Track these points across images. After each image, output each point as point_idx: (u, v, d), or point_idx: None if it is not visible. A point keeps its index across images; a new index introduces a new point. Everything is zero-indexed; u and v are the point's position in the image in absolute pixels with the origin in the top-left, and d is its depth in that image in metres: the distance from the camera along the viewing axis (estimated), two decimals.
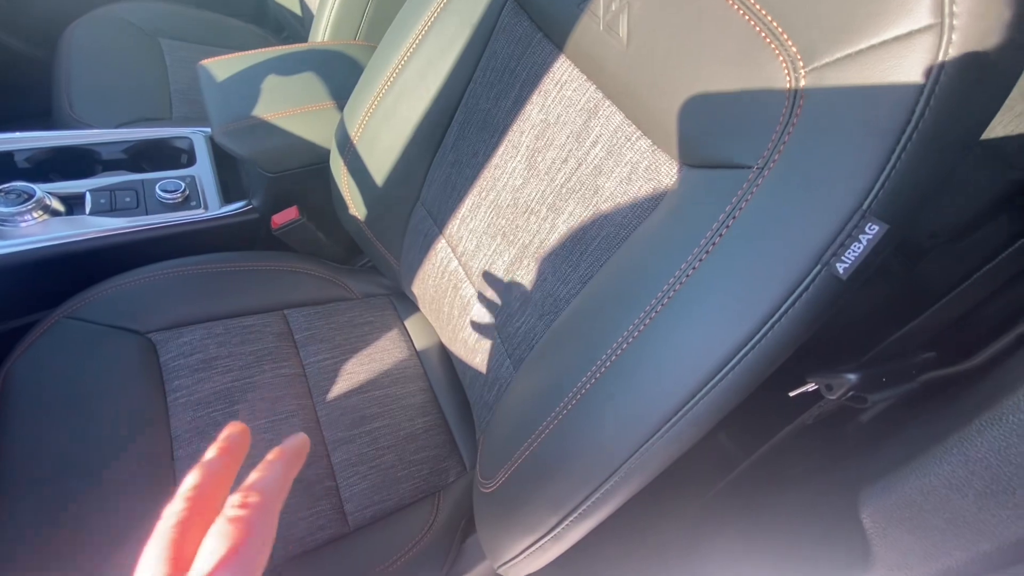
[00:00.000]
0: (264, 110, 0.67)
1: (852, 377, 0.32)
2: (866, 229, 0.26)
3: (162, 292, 0.65)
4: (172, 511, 0.21)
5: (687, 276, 0.31)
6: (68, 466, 0.50)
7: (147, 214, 0.67)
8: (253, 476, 0.22)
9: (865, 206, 0.25)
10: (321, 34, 0.84)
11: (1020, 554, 0.22)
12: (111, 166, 0.76)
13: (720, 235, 0.30)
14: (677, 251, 0.32)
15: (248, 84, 0.69)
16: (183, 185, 0.70)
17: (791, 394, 0.36)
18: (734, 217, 0.30)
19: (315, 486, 0.56)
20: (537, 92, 0.46)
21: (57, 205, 0.65)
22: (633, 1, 0.36)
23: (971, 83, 0.24)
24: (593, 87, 0.41)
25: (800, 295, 0.27)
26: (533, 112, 0.47)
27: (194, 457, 0.54)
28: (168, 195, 0.69)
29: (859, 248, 0.26)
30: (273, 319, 0.67)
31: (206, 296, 0.66)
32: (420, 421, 0.64)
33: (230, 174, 0.78)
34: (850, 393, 0.32)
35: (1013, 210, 0.77)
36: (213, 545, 0.19)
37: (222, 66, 0.71)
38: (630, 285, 0.35)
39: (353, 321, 0.70)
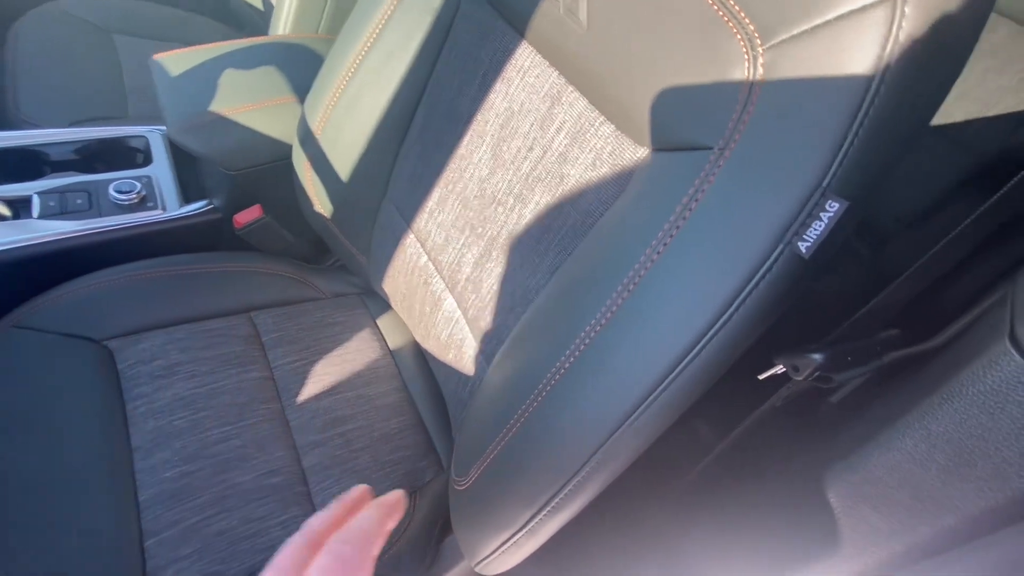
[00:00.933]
0: (222, 105, 0.64)
1: (817, 357, 0.32)
2: (826, 207, 0.25)
3: (119, 297, 0.62)
4: (291, 546, 0.23)
5: (651, 261, 0.31)
6: (20, 484, 0.47)
7: (100, 216, 0.64)
8: (352, 521, 0.25)
9: (825, 183, 0.25)
10: (281, 27, 0.81)
11: (984, 527, 0.22)
12: (61, 167, 0.72)
13: (684, 218, 0.30)
14: (642, 236, 0.32)
15: (205, 79, 0.66)
16: (139, 185, 0.67)
17: (760, 377, 0.36)
18: (696, 200, 0.29)
19: (285, 492, 0.54)
20: (500, 80, 0.45)
21: (2, 209, 0.62)
22: None
23: (926, 57, 0.24)
24: (556, 73, 0.41)
25: (764, 275, 0.27)
26: (497, 100, 0.46)
27: (155, 469, 0.52)
28: (123, 196, 0.66)
29: (820, 226, 0.25)
30: (239, 322, 0.65)
31: (167, 300, 0.63)
32: (395, 421, 0.62)
33: (190, 173, 0.75)
34: (816, 373, 0.32)
35: (974, 193, 0.79)
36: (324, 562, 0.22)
37: (177, 60, 0.68)
38: (596, 273, 0.34)
39: (323, 321, 0.69)
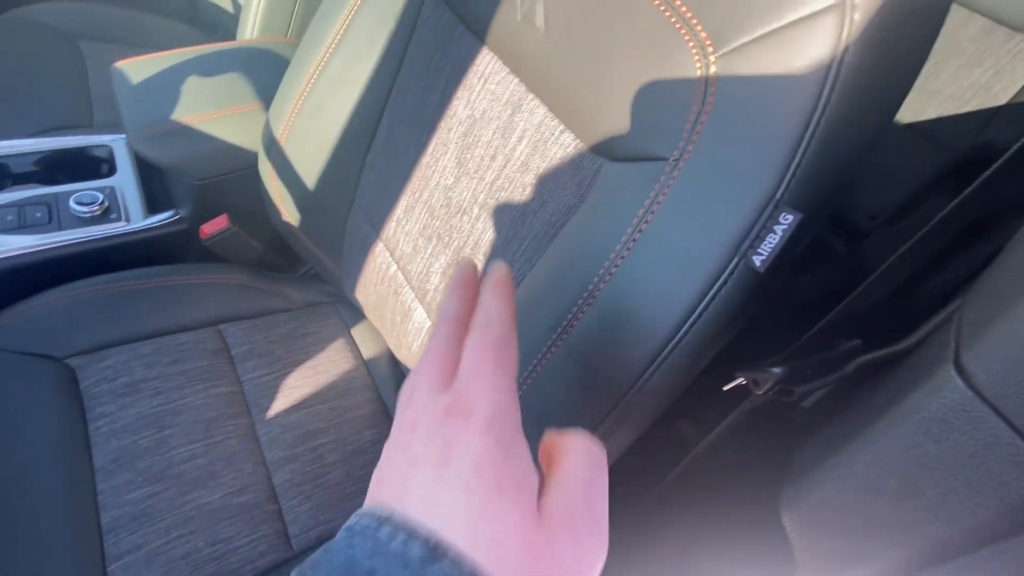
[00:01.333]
0: (185, 113, 0.63)
1: (777, 371, 0.32)
2: (780, 219, 0.25)
3: (81, 313, 0.60)
4: (437, 331, 0.24)
5: (610, 274, 0.30)
6: None
7: (60, 230, 0.62)
8: (481, 304, 0.25)
9: (778, 196, 0.25)
10: (249, 31, 0.80)
11: (937, 555, 0.22)
12: (23, 180, 0.70)
13: (640, 231, 0.29)
14: (601, 248, 0.31)
15: (167, 86, 0.65)
16: (101, 197, 0.66)
17: (725, 388, 0.35)
18: (652, 212, 0.29)
19: (255, 510, 0.53)
20: (462, 87, 0.44)
21: None
22: None
23: (876, 63, 0.24)
24: (516, 80, 0.40)
25: (720, 289, 0.26)
26: (460, 108, 0.45)
27: (118, 490, 0.50)
28: (84, 208, 0.64)
29: (774, 240, 0.25)
30: (207, 335, 0.64)
31: (131, 315, 0.62)
32: (368, 434, 0.61)
33: (157, 183, 0.73)
34: (777, 387, 0.32)
35: (947, 189, 0.79)
36: (474, 346, 0.22)
37: (138, 67, 0.66)
38: (558, 285, 0.33)
39: (294, 332, 0.67)
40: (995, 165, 0.31)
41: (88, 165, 0.73)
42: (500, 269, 0.25)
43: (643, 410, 0.31)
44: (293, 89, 0.56)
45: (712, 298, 0.27)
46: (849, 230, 0.95)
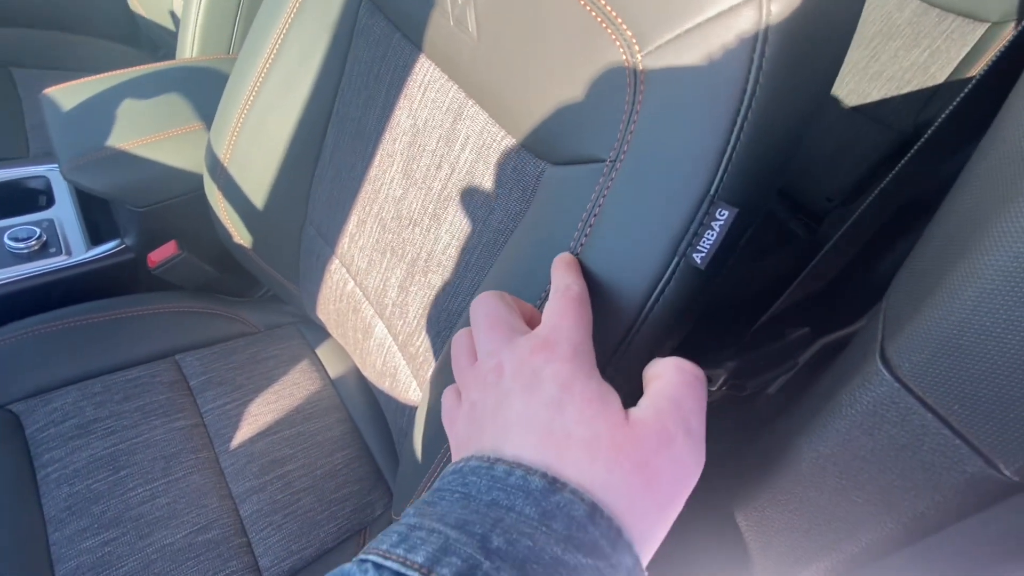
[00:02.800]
0: (121, 139, 0.60)
1: (729, 365, 0.32)
2: (716, 215, 0.24)
3: (22, 355, 0.57)
4: (489, 303, 0.26)
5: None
6: None
7: None
8: (558, 275, 0.27)
9: (712, 191, 0.24)
10: (189, 49, 0.77)
11: (882, 549, 0.22)
12: None
13: (585, 234, 0.29)
14: (547, 254, 0.30)
15: (101, 111, 0.62)
16: (38, 231, 0.62)
17: None
18: (595, 215, 0.28)
19: (222, 546, 0.51)
20: (403, 96, 0.43)
21: None
22: None
23: (798, 53, 0.24)
24: (455, 87, 0.39)
25: (664, 288, 0.26)
26: (402, 117, 0.44)
27: (72, 540, 0.48)
28: (20, 244, 0.61)
29: (713, 235, 0.25)
30: (163, 367, 0.61)
31: (79, 352, 0.59)
32: (339, 455, 0.60)
33: (99, 212, 0.70)
34: (728, 382, 0.32)
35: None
36: (556, 303, 0.24)
37: (70, 93, 0.63)
38: (509, 293, 0.33)
39: (256, 357, 0.65)
40: (919, 142, 0.31)
41: (24, 198, 0.70)
42: (565, 255, 0.28)
43: None
44: (232, 108, 0.54)
45: (657, 298, 0.26)
46: (807, 213, 0.97)
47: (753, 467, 0.31)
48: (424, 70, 0.41)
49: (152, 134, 0.61)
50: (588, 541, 0.18)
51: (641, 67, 0.26)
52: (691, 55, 0.24)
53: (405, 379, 0.50)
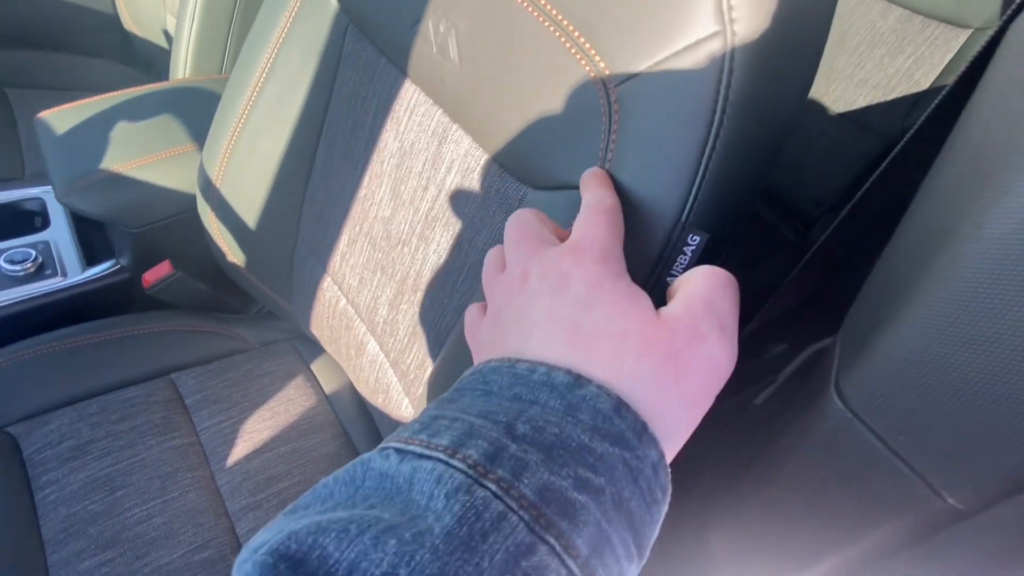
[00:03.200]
0: (115, 161, 0.61)
1: None
2: (689, 240, 0.25)
3: (19, 378, 0.58)
4: (521, 218, 0.25)
5: None
6: None
7: None
8: (590, 189, 0.26)
9: (683, 218, 0.25)
10: (181, 69, 0.78)
11: (847, 571, 0.22)
12: None
13: None
14: None
15: (95, 134, 0.63)
16: (33, 253, 0.63)
17: None
18: None
19: (218, 565, 0.51)
20: (390, 119, 0.44)
21: None
22: (458, 23, 0.34)
23: (763, 82, 0.24)
24: (440, 111, 0.40)
25: None
26: (390, 140, 0.44)
27: (70, 561, 0.48)
28: (15, 267, 0.61)
29: (685, 260, 0.25)
30: (158, 387, 0.62)
31: (75, 374, 0.59)
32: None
33: (95, 233, 0.71)
34: None
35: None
36: (587, 213, 0.24)
37: (64, 117, 0.64)
38: None
39: (251, 374, 0.66)
40: (898, 148, 0.32)
41: (19, 220, 0.70)
42: (596, 170, 0.27)
43: None
44: (224, 130, 0.55)
45: None
46: (798, 218, 0.98)
47: (726, 484, 0.31)
48: (410, 94, 0.42)
49: (145, 156, 0.62)
50: (615, 432, 0.17)
51: (614, 98, 0.27)
52: (661, 86, 0.25)
53: (397, 396, 0.51)
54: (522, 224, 0.25)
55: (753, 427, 0.31)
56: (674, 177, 0.25)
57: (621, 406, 0.18)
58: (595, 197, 0.25)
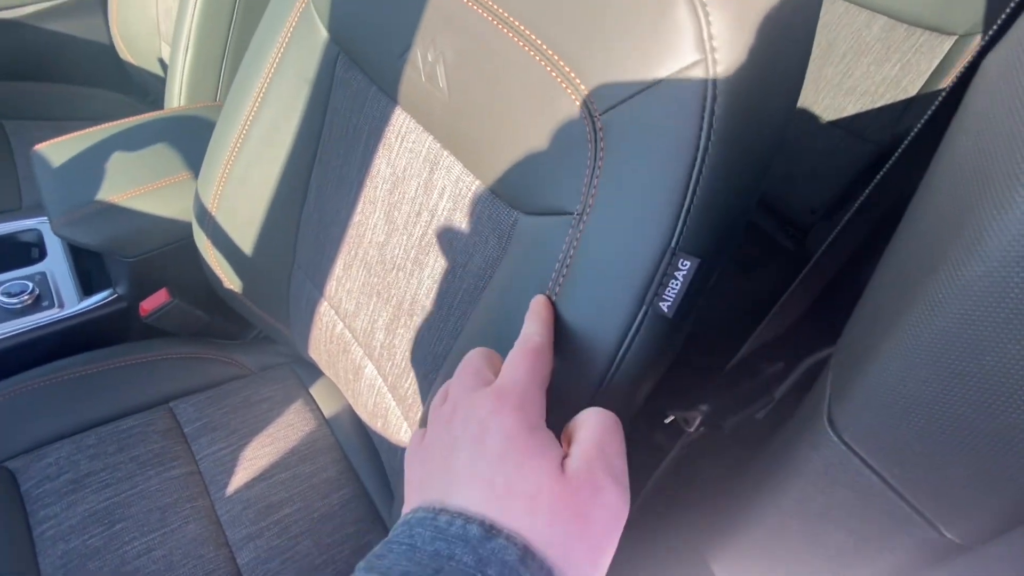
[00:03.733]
0: (111, 192, 0.61)
1: (704, 408, 0.32)
2: (679, 265, 0.25)
3: (17, 411, 0.57)
4: (474, 350, 0.28)
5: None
6: None
7: None
8: (525, 327, 0.28)
9: (673, 244, 0.25)
10: (176, 97, 0.79)
11: None
12: None
13: (559, 284, 0.29)
14: (524, 302, 0.31)
15: (90, 165, 0.63)
16: (30, 285, 0.63)
17: (666, 421, 0.36)
18: (567, 265, 0.29)
19: None
20: (382, 145, 0.44)
21: None
22: (446, 52, 0.35)
23: (747, 105, 0.25)
24: (431, 138, 0.40)
25: (634, 337, 0.27)
26: (382, 166, 0.45)
27: None
28: (12, 300, 0.62)
29: (677, 285, 0.25)
30: (157, 416, 0.61)
31: (73, 405, 0.59)
32: (335, 497, 0.60)
33: (92, 262, 0.71)
34: (705, 423, 0.32)
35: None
36: (512, 354, 0.26)
37: (60, 149, 0.65)
38: (489, 343, 0.33)
39: (250, 400, 0.65)
40: (894, 156, 0.32)
41: (16, 252, 0.70)
42: (540, 299, 0.29)
43: None
44: (218, 158, 0.55)
45: (628, 347, 0.27)
46: (794, 225, 0.98)
47: (727, 513, 0.31)
48: (401, 121, 0.42)
49: (141, 185, 0.63)
50: None
51: (600, 125, 0.27)
52: (646, 114, 0.25)
53: (396, 420, 0.50)
54: (468, 362, 0.27)
55: (753, 449, 0.31)
56: (662, 203, 0.25)
57: (527, 555, 0.20)
58: (527, 333, 0.27)
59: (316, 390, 0.68)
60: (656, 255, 0.26)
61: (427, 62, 0.37)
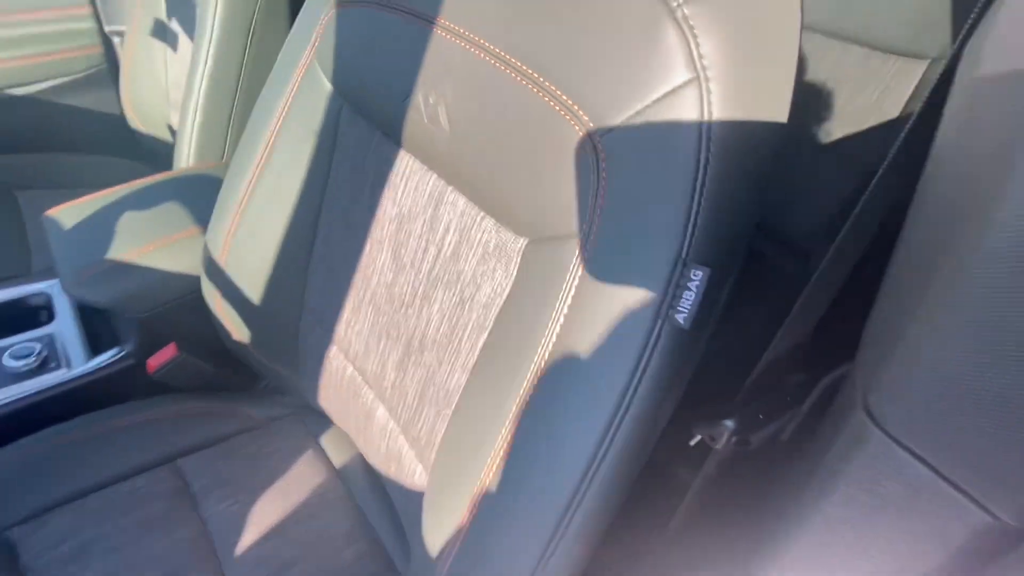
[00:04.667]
0: (120, 250, 0.62)
1: (730, 423, 0.32)
2: (691, 276, 0.25)
3: (18, 478, 0.56)
4: None
5: (547, 352, 0.30)
6: None
7: None
8: None
9: (683, 255, 0.25)
10: (185, 159, 0.82)
11: None
12: None
13: (567, 304, 0.30)
14: (533, 328, 0.31)
15: (101, 226, 0.65)
16: (38, 347, 0.63)
17: (691, 443, 0.35)
18: (574, 286, 0.29)
19: None
20: (387, 187, 0.45)
21: None
22: (447, 93, 0.36)
23: (741, 117, 0.25)
24: (435, 176, 0.41)
25: (652, 352, 0.27)
26: (388, 207, 0.46)
27: None
28: (20, 362, 0.61)
29: (691, 296, 0.25)
30: (164, 474, 0.60)
31: (76, 469, 0.58)
32: (349, 552, 0.57)
33: (100, 322, 0.71)
34: (733, 438, 0.32)
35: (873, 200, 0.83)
36: None
37: (71, 212, 0.66)
38: (501, 372, 0.33)
39: (259, 453, 0.64)
40: (876, 176, 0.33)
41: (25, 315, 0.71)
42: None
43: (614, 479, 0.30)
44: (227, 211, 0.57)
45: (647, 362, 0.27)
46: (796, 249, 0.99)
47: (770, 525, 0.30)
48: (404, 162, 0.44)
49: (150, 242, 0.64)
50: None
51: (600, 147, 0.28)
52: (646, 133, 0.26)
53: (410, 463, 0.49)
54: None
55: (784, 458, 0.30)
56: (668, 217, 0.26)
57: None
58: None
59: (326, 440, 0.67)
60: (667, 268, 0.26)
61: (428, 104, 0.38)
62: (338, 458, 0.65)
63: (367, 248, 0.49)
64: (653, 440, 0.31)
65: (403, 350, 0.47)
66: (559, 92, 0.29)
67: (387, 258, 0.47)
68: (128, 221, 0.65)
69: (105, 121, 1.16)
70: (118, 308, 0.62)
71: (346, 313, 0.53)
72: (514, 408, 0.31)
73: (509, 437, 0.31)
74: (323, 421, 0.68)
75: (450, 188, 0.40)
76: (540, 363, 0.30)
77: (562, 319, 0.29)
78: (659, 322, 0.26)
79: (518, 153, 0.32)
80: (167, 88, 1.07)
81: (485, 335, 0.37)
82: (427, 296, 0.43)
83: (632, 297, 0.26)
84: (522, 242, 0.35)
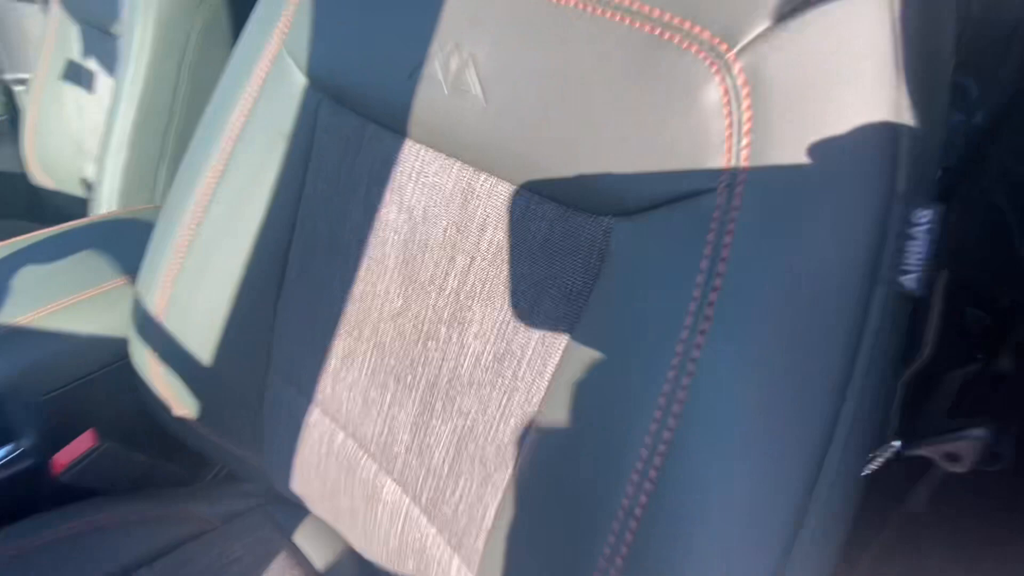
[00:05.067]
0: (17, 312, 0.48)
1: (980, 433, 0.23)
2: (916, 221, 0.17)
3: None
4: None
5: (687, 380, 0.21)
6: None
7: None
8: None
9: (901, 189, 0.18)
10: (105, 208, 0.68)
11: None
12: None
13: (710, 301, 0.21)
14: (648, 337, 0.22)
15: None
16: None
17: (864, 473, 0.26)
18: (723, 259, 0.20)
19: None
20: (389, 190, 0.36)
21: None
22: (476, 53, 0.29)
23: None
24: (459, 164, 0.32)
25: (875, 340, 0.18)
26: (391, 215, 0.36)
27: None
28: None
29: (921, 247, 0.17)
30: None
31: None
32: None
33: None
34: (981, 454, 0.23)
35: None
36: None
37: None
38: (603, 416, 0.23)
39: (218, 562, 0.48)
40: None
41: None
42: None
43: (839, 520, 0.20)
44: (167, 247, 0.45)
45: (871, 351, 0.18)
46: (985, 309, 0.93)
47: (995, 564, 0.21)
48: (413, 156, 0.35)
49: (60, 300, 0.50)
50: None
51: (738, 67, 0.20)
52: (811, 35, 0.19)
53: (440, 554, 0.37)
54: None
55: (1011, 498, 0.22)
56: (869, 140, 0.18)
57: None
58: None
59: (301, 536, 0.52)
60: (876, 213, 0.18)
61: (450, 72, 0.30)
62: (320, 558, 0.51)
63: (362, 274, 0.38)
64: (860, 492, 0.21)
65: (422, 399, 0.36)
66: (666, 15, 0.22)
67: (392, 281, 0.37)
68: (32, 277, 0.51)
69: (3, 181, 1.00)
70: (13, 388, 0.46)
71: (331, 363, 0.42)
72: (643, 447, 0.21)
73: (645, 490, 0.21)
74: (296, 512, 0.53)
75: (483, 176, 0.31)
76: (675, 402, 0.21)
77: (708, 311, 0.20)
78: (880, 289, 0.18)
79: (597, 106, 0.24)
80: (81, 137, 0.94)
81: (558, 355, 0.27)
82: (457, 320, 0.33)
83: (826, 256, 0.18)
84: (606, 222, 0.26)
